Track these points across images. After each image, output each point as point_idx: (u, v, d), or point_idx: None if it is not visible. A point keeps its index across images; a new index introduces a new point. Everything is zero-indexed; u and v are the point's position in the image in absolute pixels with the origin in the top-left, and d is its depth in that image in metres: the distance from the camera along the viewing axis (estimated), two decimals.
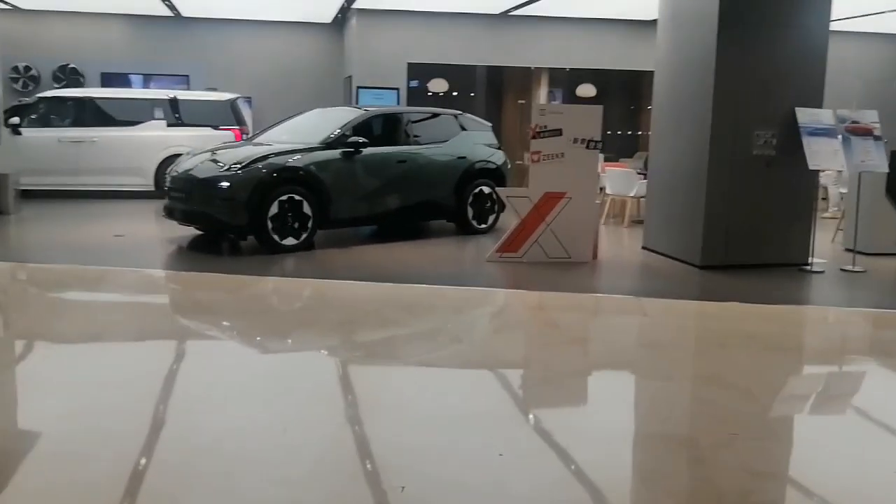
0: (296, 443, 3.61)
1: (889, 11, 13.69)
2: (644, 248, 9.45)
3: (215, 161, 8.82)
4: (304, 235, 8.65)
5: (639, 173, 11.89)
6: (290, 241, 8.56)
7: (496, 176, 10.58)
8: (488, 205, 10.47)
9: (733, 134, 8.25)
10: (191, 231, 9.37)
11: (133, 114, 13.42)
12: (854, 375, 5.35)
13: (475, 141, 10.55)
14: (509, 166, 10.98)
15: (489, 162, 10.53)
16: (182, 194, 8.79)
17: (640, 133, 19.08)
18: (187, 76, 16.52)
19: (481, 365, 5.02)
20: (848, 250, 9.54)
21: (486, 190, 10.41)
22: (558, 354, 5.27)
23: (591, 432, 3.89)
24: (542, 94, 16.09)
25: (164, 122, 13.33)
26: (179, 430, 3.81)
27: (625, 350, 5.44)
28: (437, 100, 17.82)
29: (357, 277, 7.54)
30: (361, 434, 3.78)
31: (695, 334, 5.99)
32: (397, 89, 15.24)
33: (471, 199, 10.28)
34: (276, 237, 8.47)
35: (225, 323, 6.19)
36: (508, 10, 14.64)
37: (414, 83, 15.78)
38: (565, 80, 16.92)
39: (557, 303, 6.78)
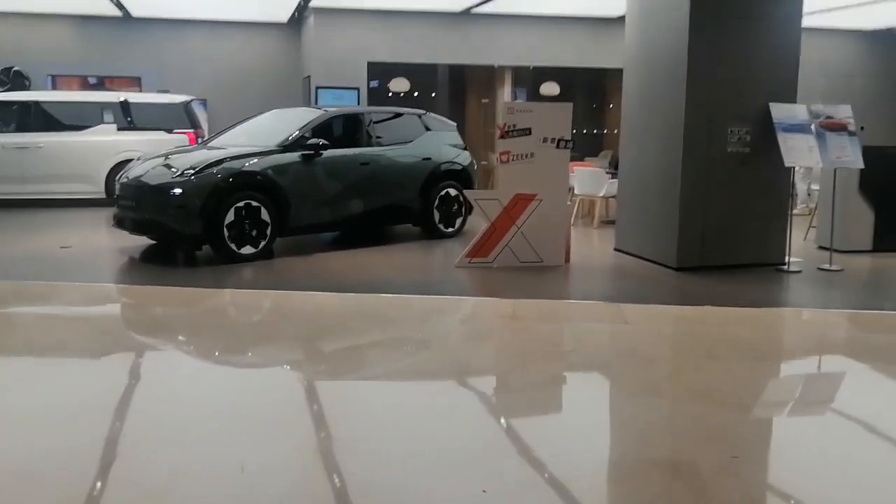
0: (255, 482, 3.22)
1: (850, 7, 13.62)
2: (617, 249, 9.17)
3: (167, 166, 8.35)
4: (262, 243, 8.22)
5: (607, 172, 11.63)
6: (247, 249, 8.12)
7: (463, 177, 10.23)
8: (455, 207, 10.12)
9: (707, 131, 8.00)
10: (143, 241, 8.88)
11: (81, 118, 12.84)
12: (852, 382, 5.08)
13: (440, 141, 10.20)
14: (476, 167, 10.65)
15: (455, 163, 10.19)
16: (132, 202, 8.30)
17: (605, 131, 18.92)
18: (139, 78, 15.93)
19: (457, 384, 4.66)
20: (822, 248, 9.38)
21: (453, 192, 10.06)
22: (538, 370, 4.93)
23: (581, 460, 3.55)
24: (505, 92, 15.79)
25: (114, 126, 12.77)
26: (126, 470, 3.39)
27: (609, 363, 5.11)
28: (399, 100, 17.44)
29: (319, 287, 7.14)
30: (328, 469, 3.40)
31: (680, 343, 5.69)
32: (357, 89, 14.83)
33: (437, 201, 9.92)
34: (232, 246, 8.03)
35: (179, 340, 5.76)
36: (470, 8, 14.31)
37: (374, 83, 15.38)
38: (529, 79, 16.65)
39: (533, 311, 6.45)
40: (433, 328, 6.01)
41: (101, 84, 15.50)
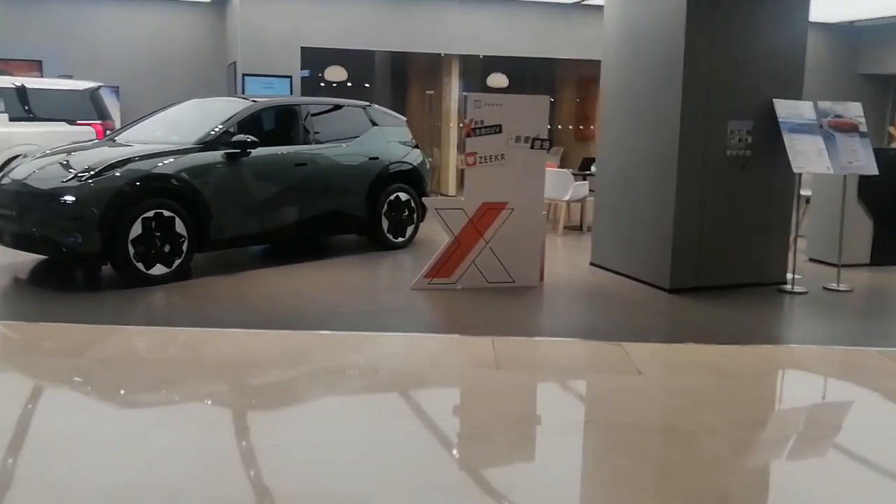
0: None
1: None
2: (594, 264, 8.00)
3: (63, 165, 6.82)
4: (177, 262, 6.76)
5: (573, 174, 10.48)
6: (159, 269, 6.66)
7: (414, 179, 8.92)
8: (406, 214, 8.80)
9: (705, 131, 6.87)
10: (33, 256, 7.31)
11: None
12: None
13: (388, 138, 8.85)
14: (428, 167, 9.33)
15: (405, 163, 8.86)
16: (13, 211, 6.72)
17: (558, 127, 17.85)
18: (40, 62, 14.09)
19: (432, 481, 3.35)
20: (814, 261, 8.41)
21: (404, 196, 8.73)
22: (549, 462, 3.66)
23: None
24: (452, 83, 14.50)
25: (5, 116, 10.99)
26: None
27: (641, 446, 3.80)
28: (334, 91, 16.01)
29: (246, 321, 5.74)
30: None
31: (717, 405, 4.48)
32: (290, 77, 13.32)
33: (385, 207, 8.58)
34: (140, 266, 6.56)
35: (55, 405, 4.30)
36: None
37: (304, 73, 13.88)
38: (478, 69, 15.38)
39: (519, 356, 5.19)
40: (395, 387, 4.66)
41: None
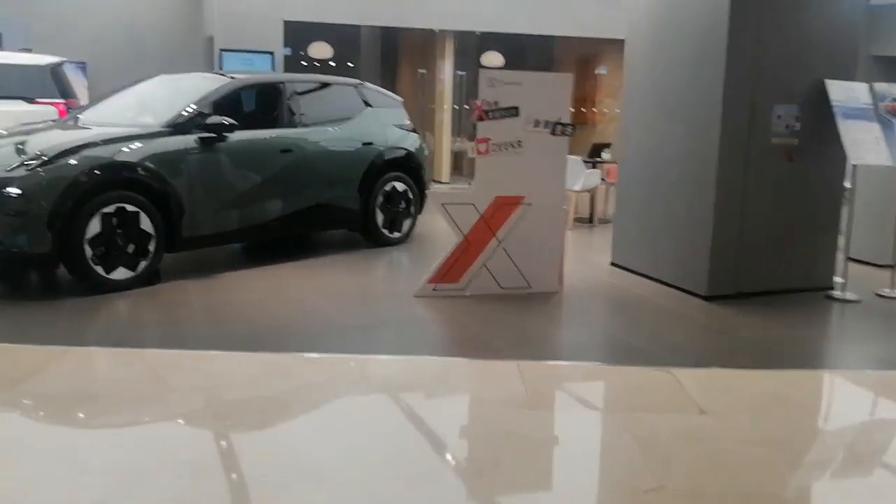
0: None
1: None
2: (615, 265, 7.15)
3: (7, 152, 5.85)
4: (142, 264, 5.84)
5: (585, 162, 9.62)
6: (121, 273, 5.73)
7: (412, 167, 8.00)
8: (403, 206, 7.89)
9: (748, 117, 6.02)
10: None
11: None
12: None
13: (384, 121, 7.91)
14: (426, 153, 8.41)
15: (402, 149, 7.94)
16: None
17: None
18: (0, 35, 12.98)
19: None
20: (853, 260, 7.59)
21: (401, 187, 7.82)
22: None
23: None
24: (446, 62, 13.55)
25: None
26: None
27: None
28: (317, 70, 15.01)
29: (222, 337, 4.85)
30: None
31: (814, 457, 3.63)
32: (272, 53, 12.34)
33: (380, 199, 7.66)
34: (99, 269, 5.63)
35: None
36: None
37: (286, 50, 12.86)
38: (473, 47, 14.42)
39: (550, 388, 4.34)
40: (404, 434, 3.79)
41: None
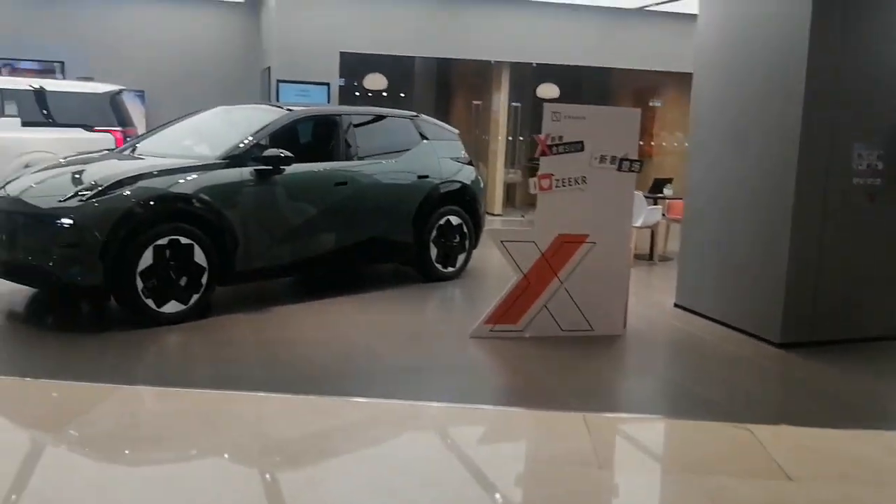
0: None
1: None
2: (679, 306, 6.83)
3: (63, 180, 5.83)
4: (194, 297, 5.71)
5: (646, 197, 9.32)
6: (172, 307, 5.61)
7: (467, 201, 7.80)
8: (457, 240, 7.68)
9: (829, 155, 5.70)
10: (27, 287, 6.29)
11: None
12: None
13: (440, 154, 7.74)
14: (482, 185, 8.21)
15: (458, 182, 7.74)
16: (2, 233, 5.71)
17: None
18: (61, 63, 13.23)
19: None
20: None
21: (455, 220, 7.62)
22: None
23: None
24: (501, 93, 13.40)
25: (17, 121, 10.07)
26: None
27: None
28: (371, 101, 14.99)
29: (270, 378, 4.67)
30: None
31: None
32: (328, 85, 12.31)
33: (435, 232, 7.47)
34: (150, 302, 5.51)
35: (32, 493, 3.23)
36: None
37: (340, 81, 12.83)
38: (529, 78, 14.25)
39: (620, 444, 4.06)
40: (456, 497, 3.54)
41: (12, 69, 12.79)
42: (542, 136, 5.64)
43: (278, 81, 12.25)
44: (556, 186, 5.67)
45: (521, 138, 14.40)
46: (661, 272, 8.70)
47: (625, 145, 5.74)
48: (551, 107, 5.67)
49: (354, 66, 13.45)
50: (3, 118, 10.03)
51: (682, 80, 10.68)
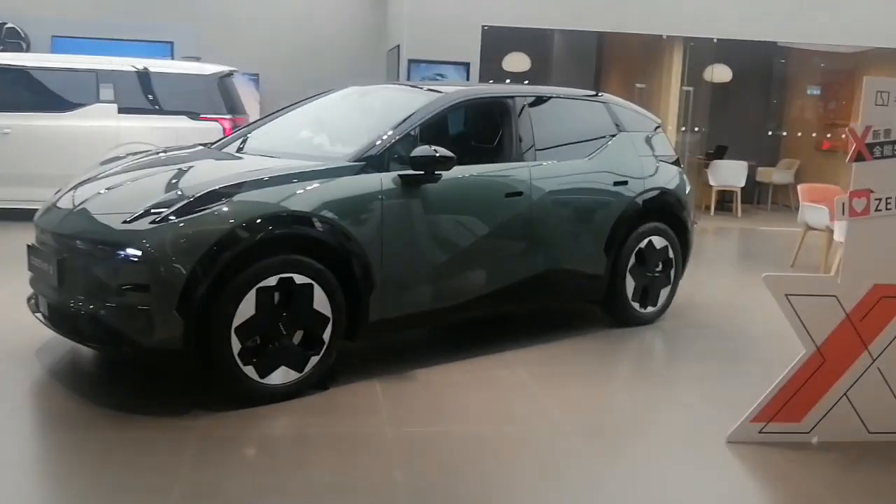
0: None
1: None
2: None
3: (137, 189, 4.15)
4: (312, 361, 3.92)
5: None
6: (281, 376, 3.83)
7: (672, 214, 5.73)
8: (660, 269, 5.63)
9: None
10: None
11: (72, 92, 8.77)
12: None
13: (640, 150, 5.69)
14: (689, 191, 6.07)
15: (662, 189, 5.66)
16: (49, 266, 4.04)
17: (783, 133, 14.22)
18: (171, 43, 11.91)
19: None
20: None
21: (659, 243, 5.57)
22: None
23: None
24: (673, 74, 11.20)
25: (113, 107, 8.66)
26: None
27: None
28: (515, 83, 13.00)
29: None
30: None
31: None
32: (468, 64, 10.45)
33: (633, 260, 5.44)
34: (249, 371, 3.74)
35: None
36: None
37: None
38: (703, 57, 11.93)
39: None
40: None
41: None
42: (856, 129, 3.54)
43: (409, 61, 10.49)
44: (877, 210, 3.57)
45: (695, 129, 12.16)
46: None
47: None
48: (876, 82, 3.55)
49: (490, 44, 11.54)
50: (97, 104, 8.66)
51: None
